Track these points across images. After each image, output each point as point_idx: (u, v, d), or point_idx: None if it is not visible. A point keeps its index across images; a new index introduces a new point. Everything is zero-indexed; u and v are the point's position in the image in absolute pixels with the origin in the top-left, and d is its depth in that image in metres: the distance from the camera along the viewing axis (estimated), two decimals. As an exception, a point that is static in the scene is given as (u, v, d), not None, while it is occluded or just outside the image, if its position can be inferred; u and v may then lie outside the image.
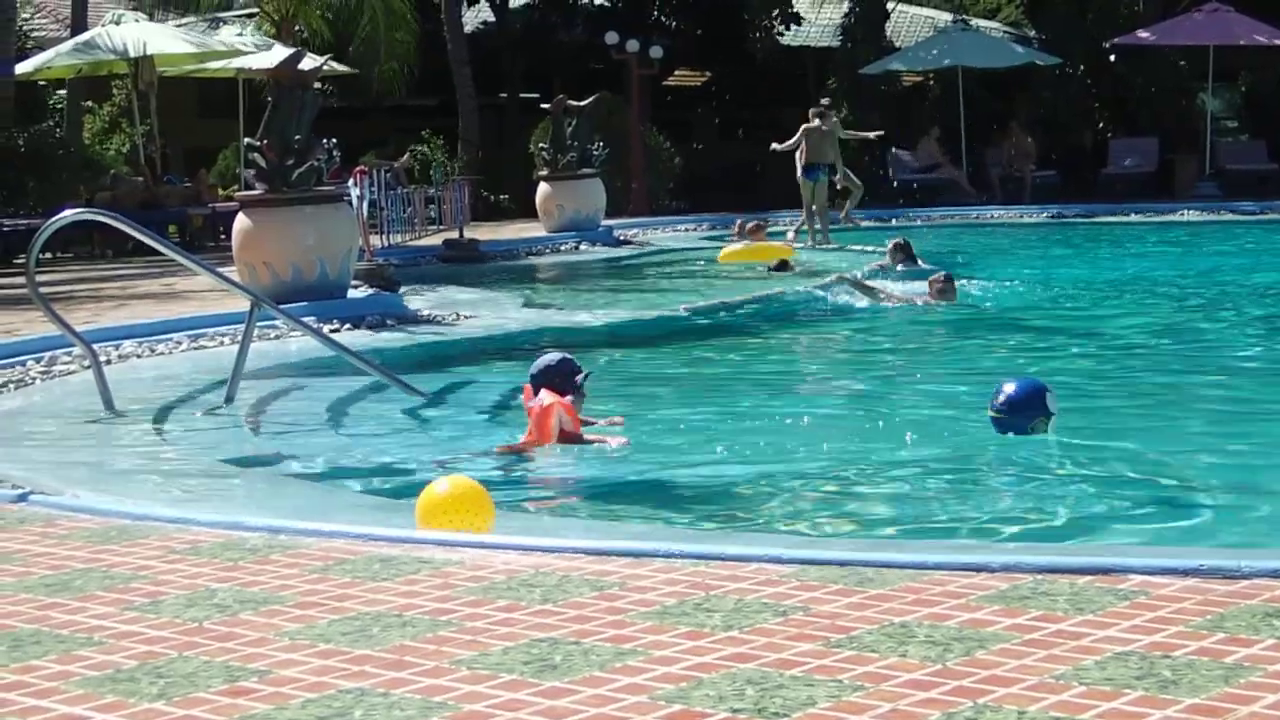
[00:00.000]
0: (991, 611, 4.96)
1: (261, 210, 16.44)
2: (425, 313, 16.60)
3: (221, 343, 14.25)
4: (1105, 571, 5.33)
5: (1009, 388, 9.61)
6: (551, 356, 10.27)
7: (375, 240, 24.63)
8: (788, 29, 40.31)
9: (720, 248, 25.00)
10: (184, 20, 33.80)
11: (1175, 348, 14.79)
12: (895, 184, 35.85)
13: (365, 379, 12.13)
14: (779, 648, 4.68)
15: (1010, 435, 9.48)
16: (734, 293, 19.24)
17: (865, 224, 31.09)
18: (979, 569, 5.44)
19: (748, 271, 22.32)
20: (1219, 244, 26.49)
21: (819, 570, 5.56)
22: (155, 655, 4.85)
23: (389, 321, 15.79)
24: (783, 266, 21.90)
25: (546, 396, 9.82)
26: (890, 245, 21.17)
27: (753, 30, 39.23)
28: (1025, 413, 9.50)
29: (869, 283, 17.96)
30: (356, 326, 15.44)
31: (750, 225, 26.17)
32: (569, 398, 9.90)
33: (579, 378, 10.09)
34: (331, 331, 14.41)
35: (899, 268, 20.81)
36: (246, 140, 17.51)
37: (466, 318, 16.43)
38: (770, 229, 26.90)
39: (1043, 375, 10.82)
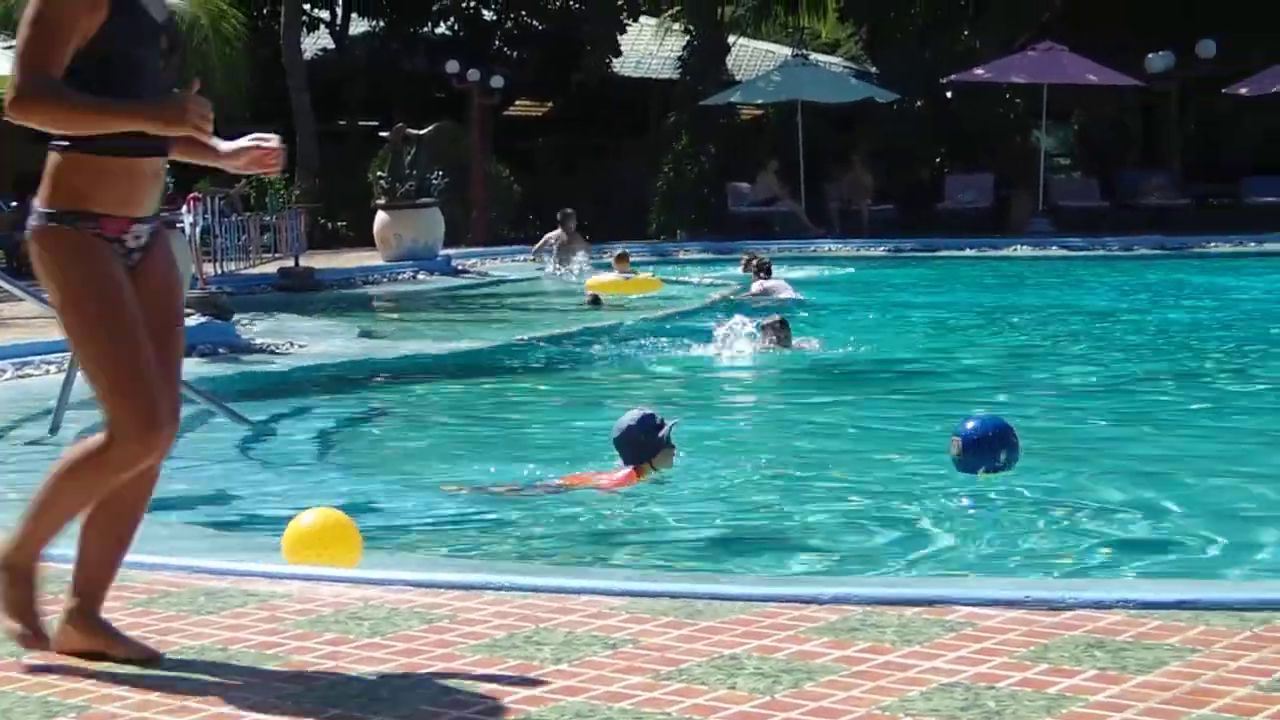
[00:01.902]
0: (820, 643, 4.97)
1: (93, 236, 16.17)
2: (258, 341, 16.42)
3: (47, 371, 14.00)
4: (932, 603, 5.37)
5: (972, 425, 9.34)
6: (631, 416, 9.62)
7: (209, 268, 24.40)
8: (610, 58, 40.48)
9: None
10: (12, 43, 33.29)
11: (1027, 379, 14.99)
12: (733, 216, 36.05)
13: (194, 407, 11.95)
14: (608, 680, 4.66)
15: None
16: (568, 324, 19.25)
17: (701, 254, 31.26)
18: (808, 601, 5.46)
19: (571, 303, 22.35)
20: (1051, 277, 26.90)
21: (649, 602, 5.55)
22: (-30, 690, 4.74)
23: (221, 350, 15.60)
24: (595, 303, 21.82)
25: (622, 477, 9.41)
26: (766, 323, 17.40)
27: (592, 62, 39.34)
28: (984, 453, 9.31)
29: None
30: (188, 355, 15.16)
31: (616, 255, 26.29)
32: (660, 454, 9.46)
33: (663, 432, 9.50)
34: (163, 360, 14.18)
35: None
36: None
37: (300, 347, 16.27)
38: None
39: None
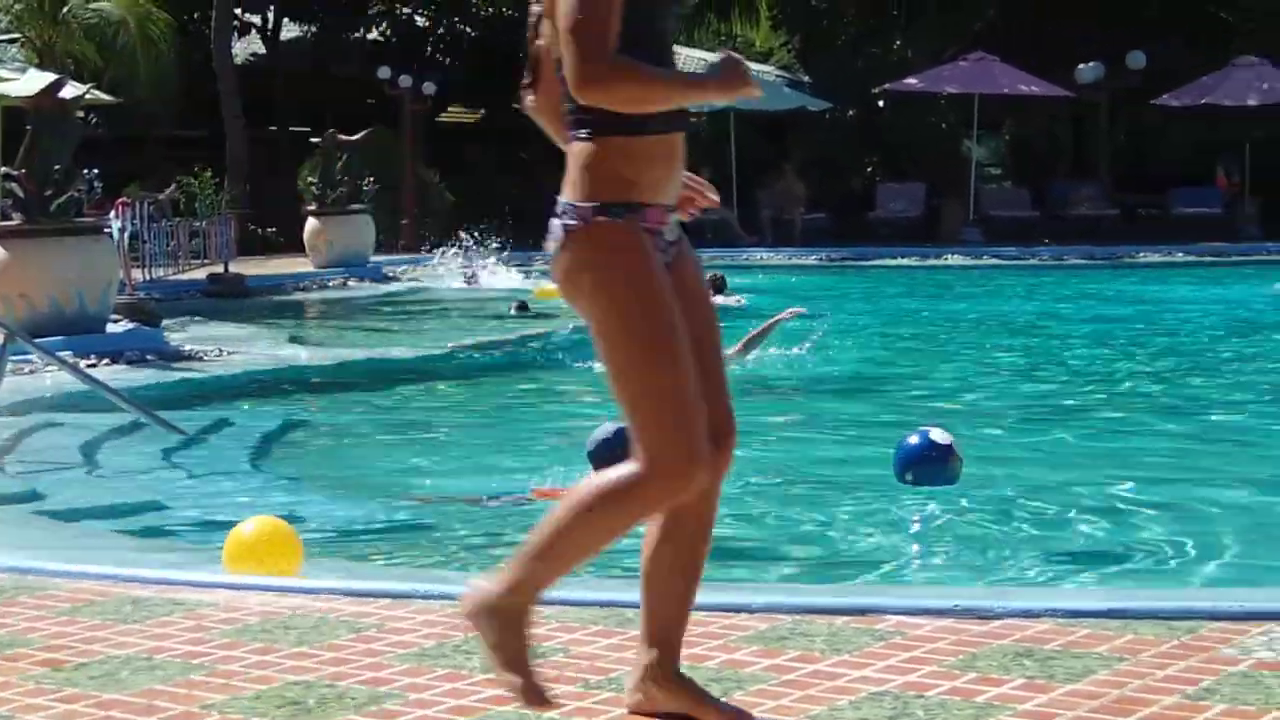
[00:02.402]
0: (750, 652, 4.97)
1: (18, 241, 16.08)
2: (187, 348, 16.32)
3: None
4: (862, 612, 5.37)
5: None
6: (606, 429, 9.39)
7: (137, 274, 24.26)
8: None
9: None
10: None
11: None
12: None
13: (123, 416, 11.88)
14: (537, 690, 4.63)
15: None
16: (500, 331, 19.21)
17: None
18: (738, 610, 5.45)
19: (501, 310, 22.33)
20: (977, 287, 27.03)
21: (579, 611, 5.53)
22: (-110, 700, 4.68)
23: (149, 357, 15.50)
24: (523, 308, 21.79)
25: None
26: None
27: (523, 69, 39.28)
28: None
29: None
30: (115, 361, 15.11)
31: None
32: None
33: None
34: (89, 366, 14.10)
35: None
36: (3, 169, 17.12)
37: (229, 354, 16.18)
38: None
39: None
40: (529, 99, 4.46)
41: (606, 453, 9.33)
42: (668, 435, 4.13)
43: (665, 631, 4.38)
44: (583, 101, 4.10)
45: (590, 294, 4.20)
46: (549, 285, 23.97)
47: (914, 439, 9.11)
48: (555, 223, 4.23)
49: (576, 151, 4.22)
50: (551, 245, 4.27)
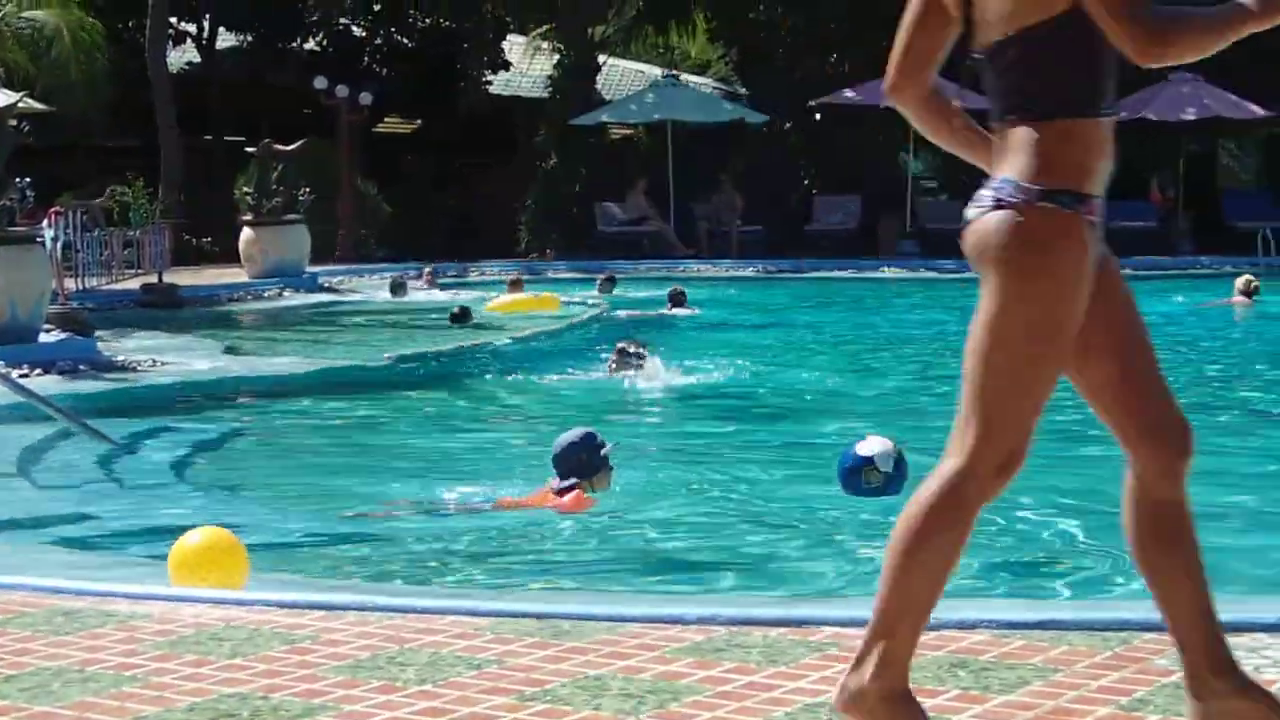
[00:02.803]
0: (686, 664, 4.96)
1: (-49, 250, 15.97)
2: (120, 358, 16.21)
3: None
4: (798, 623, 5.37)
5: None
6: (573, 434, 9.48)
7: (70, 283, 24.13)
8: (495, 73, 40.48)
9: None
10: None
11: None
12: (601, 235, 36.09)
13: (55, 426, 11.80)
14: (472, 701, 4.63)
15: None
16: (438, 342, 19.17)
17: (570, 274, 31.37)
18: (674, 621, 5.45)
19: (431, 321, 22.31)
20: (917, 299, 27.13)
21: (514, 623, 5.52)
22: None
23: (82, 367, 15.39)
24: (464, 316, 21.75)
25: (572, 499, 9.20)
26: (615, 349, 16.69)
27: (462, 80, 39.26)
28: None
29: None
30: (48, 372, 15.01)
31: (510, 277, 26.60)
32: (599, 474, 9.34)
33: (605, 450, 9.38)
34: (20, 376, 13.99)
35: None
36: (-65, 179, 16.99)
37: (163, 364, 16.09)
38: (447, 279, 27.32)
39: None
40: (896, 92, 4.33)
41: (572, 457, 9.34)
42: (1000, 438, 4.02)
43: (1200, 638, 4.07)
44: (1150, 64, 3.95)
45: (1006, 275, 3.96)
46: (502, 298, 24.05)
47: (861, 450, 9.14)
48: (986, 193, 4.04)
49: (1024, 135, 4.03)
50: (973, 211, 4.04)
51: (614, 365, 15.62)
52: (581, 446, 9.40)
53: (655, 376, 15.29)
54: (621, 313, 23.31)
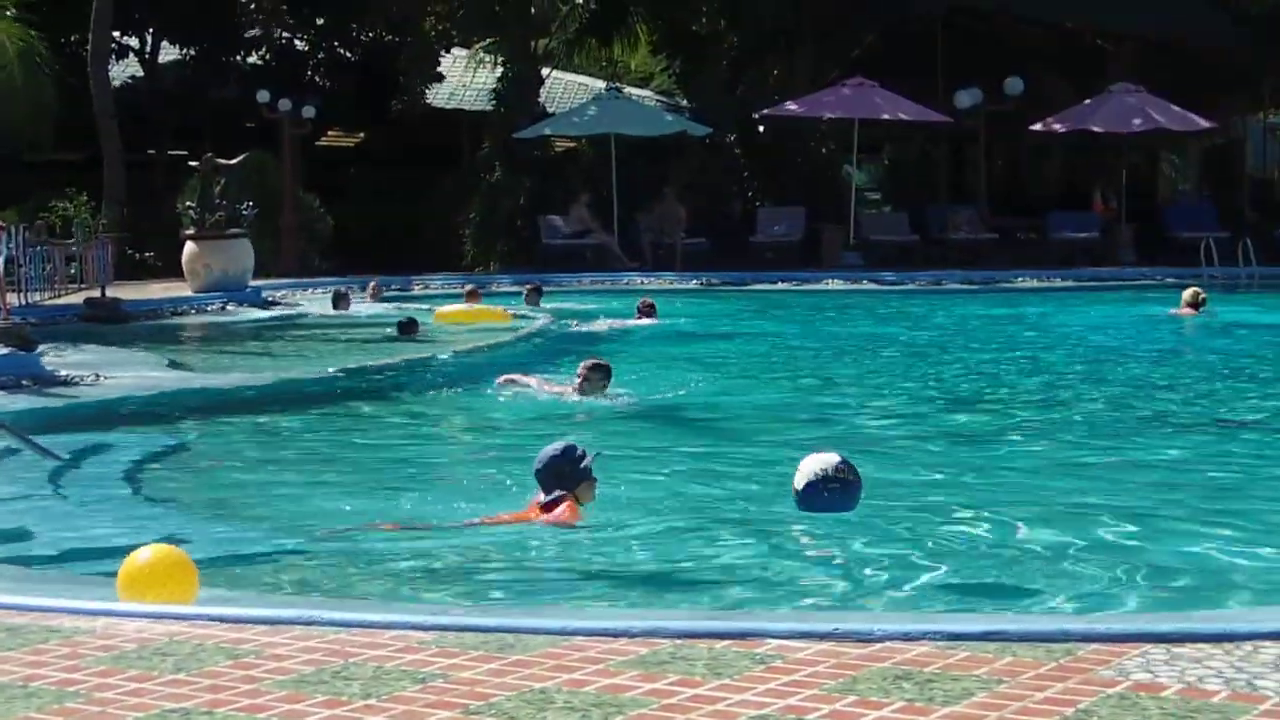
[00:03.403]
0: (631, 677, 4.96)
1: (-108, 265, 15.89)
2: (64, 373, 16.12)
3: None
4: (743, 636, 5.38)
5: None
6: (554, 447, 9.43)
7: (12, 298, 23.98)
8: (429, 87, 40.42)
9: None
10: None
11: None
12: (545, 248, 36.08)
13: (-2, 442, 11.74)
14: (417, 715, 4.62)
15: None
16: (383, 355, 19.13)
17: (514, 287, 31.42)
18: (619, 634, 5.45)
19: (376, 334, 22.28)
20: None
21: (459, 637, 5.51)
22: None
23: (25, 382, 15.31)
24: (410, 327, 21.72)
25: (565, 509, 9.17)
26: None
27: (401, 92, 39.16)
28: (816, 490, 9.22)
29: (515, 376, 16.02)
30: (-10, 387, 14.94)
31: (468, 288, 26.56)
32: (582, 485, 9.32)
33: (586, 462, 9.37)
34: (-36, 392, 13.93)
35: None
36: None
37: (106, 379, 15.99)
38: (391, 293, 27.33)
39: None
40: None
41: (555, 470, 9.31)
42: None
43: None
44: None
45: None
46: (449, 308, 23.96)
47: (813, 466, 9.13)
48: None
49: None
50: None
51: (581, 384, 15.10)
52: (563, 459, 9.38)
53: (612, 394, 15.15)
54: (574, 323, 23.40)
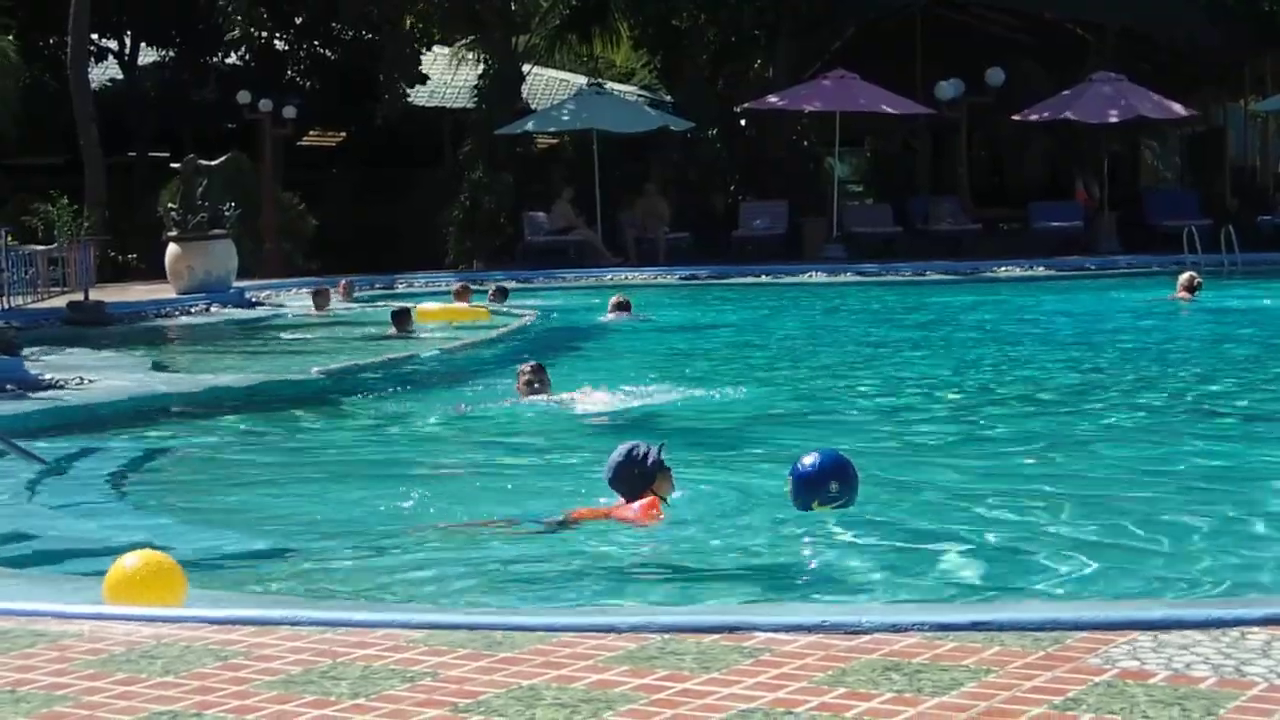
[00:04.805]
0: (619, 672, 4.96)
1: (-127, 271, 15.86)
2: (47, 377, 16.07)
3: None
4: (731, 630, 5.38)
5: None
6: (617, 454, 9.32)
7: (-5, 302, 23.97)
8: (412, 88, 40.38)
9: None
10: None
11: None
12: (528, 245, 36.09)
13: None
14: (406, 714, 4.62)
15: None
16: (365, 355, 19.11)
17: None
18: (607, 630, 5.45)
19: (368, 334, 22.26)
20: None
21: (447, 635, 5.50)
22: None
23: (8, 386, 15.25)
24: (403, 318, 21.73)
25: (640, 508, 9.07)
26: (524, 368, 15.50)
27: (382, 92, 39.11)
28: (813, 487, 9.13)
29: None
30: (-25, 391, 14.90)
31: (457, 286, 26.60)
32: (658, 480, 9.20)
33: (653, 457, 9.23)
34: (-52, 397, 13.90)
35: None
36: None
37: (91, 382, 15.94)
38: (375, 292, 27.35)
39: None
40: None
41: (627, 475, 9.24)
42: None
43: None
44: None
45: None
46: (428, 305, 24.01)
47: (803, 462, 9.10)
48: None
49: None
50: None
51: (523, 389, 14.84)
52: (629, 463, 9.27)
53: (583, 397, 14.99)
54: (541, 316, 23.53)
